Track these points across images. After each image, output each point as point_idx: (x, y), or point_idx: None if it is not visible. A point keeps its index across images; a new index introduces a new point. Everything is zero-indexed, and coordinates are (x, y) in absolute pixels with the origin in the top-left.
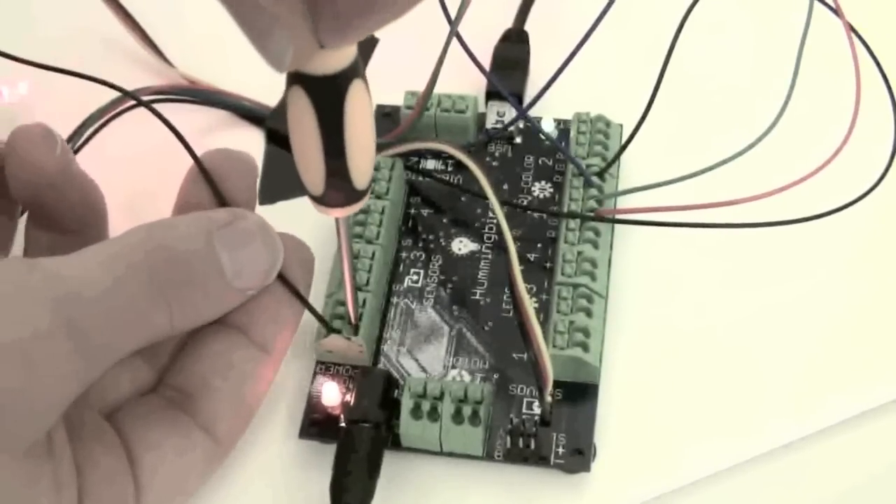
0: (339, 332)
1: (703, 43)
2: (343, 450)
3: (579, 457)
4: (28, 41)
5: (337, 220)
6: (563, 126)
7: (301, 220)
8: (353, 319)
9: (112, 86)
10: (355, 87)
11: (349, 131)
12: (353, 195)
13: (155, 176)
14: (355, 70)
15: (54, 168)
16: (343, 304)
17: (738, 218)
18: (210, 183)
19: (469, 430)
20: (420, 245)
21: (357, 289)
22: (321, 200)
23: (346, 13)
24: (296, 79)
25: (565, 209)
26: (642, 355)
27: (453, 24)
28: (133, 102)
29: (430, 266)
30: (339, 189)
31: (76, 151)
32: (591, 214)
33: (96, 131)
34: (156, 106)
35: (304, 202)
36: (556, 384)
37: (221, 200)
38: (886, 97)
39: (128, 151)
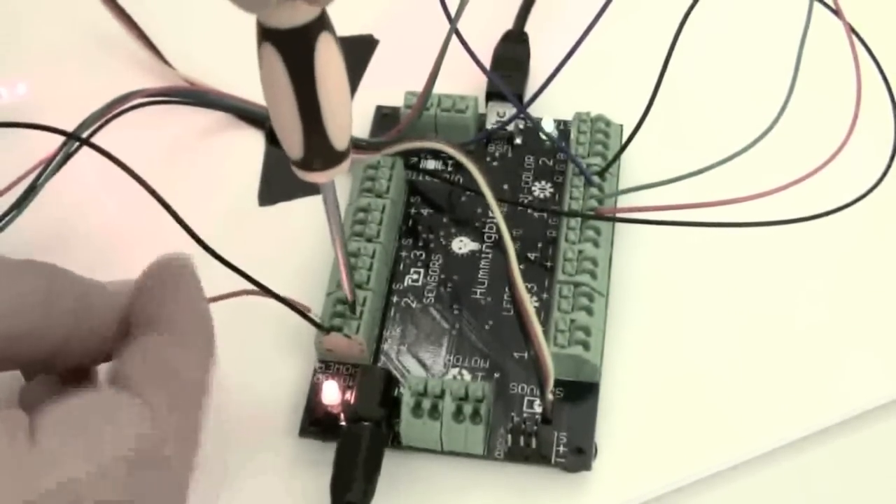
0: (339, 330)
1: (704, 43)
2: (343, 448)
3: (580, 456)
4: (28, 43)
5: (323, 188)
6: (563, 127)
7: (300, 221)
8: (349, 297)
9: (51, 129)
10: (324, 39)
11: (322, 85)
12: (333, 156)
13: (150, 182)
14: (323, 22)
15: None
16: (343, 302)
17: (739, 217)
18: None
19: (470, 429)
20: (420, 244)
21: (357, 286)
22: (302, 165)
23: None
24: (265, 35)
25: (566, 208)
26: (643, 354)
27: (453, 21)
28: (133, 103)
29: (431, 265)
30: (317, 149)
31: (70, 157)
32: (592, 213)
33: (92, 134)
34: (156, 108)
35: (303, 203)
36: (557, 383)
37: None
38: (886, 98)
39: (123, 156)
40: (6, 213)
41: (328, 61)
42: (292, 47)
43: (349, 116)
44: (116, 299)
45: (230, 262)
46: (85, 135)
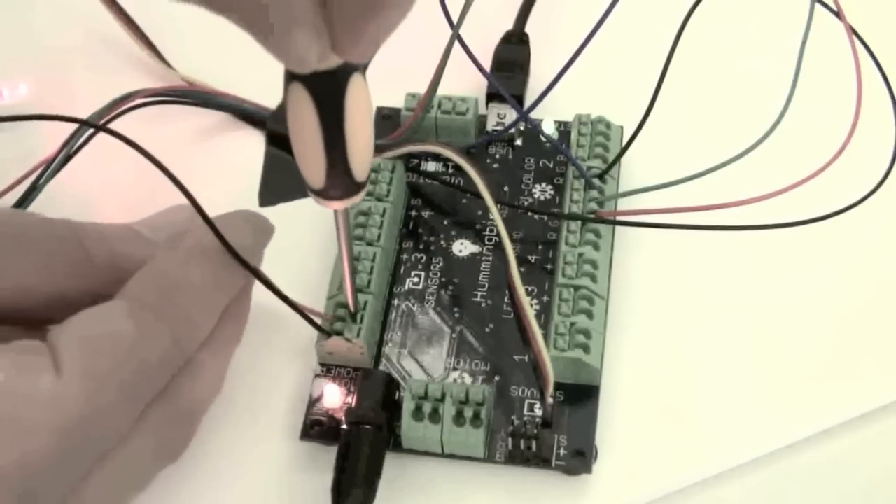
0: (340, 333)
1: (705, 45)
2: (344, 452)
3: (581, 458)
4: (29, 44)
5: (336, 212)
6: (563, 128)
7: (301, 222)
8: (352, 308)
9: (68, 119)
10: (355, 81)
11: (349, 124)
12: (353, 187)
13: (152, 181)
14: (354, 64)
15: None
16: (344, 306)
17: (740, 220)
18: (209, 224)
19: (470, 432)
20: (421, 247)
21: (358, 290)
22: (322, 194)
23: (354, 17)
24: (295, 76)
25: (566, 211)
26: (643, 357)
27: (456, 26)
28: (133, 104)
29: (431, 268)
30: (339, 182)
31: (70, 157)
32: (592, 216)
33: (90, 137)
34: (156, 108)
35: (303, 204)
36: (557, 386)
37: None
38: (888, 99)
39: (124, 155)
40: None
41: (357, 102)
42: (324, 89)
43: (371, 152)
44: (153, 255)
45: (244, 260)
46: (85, 136)
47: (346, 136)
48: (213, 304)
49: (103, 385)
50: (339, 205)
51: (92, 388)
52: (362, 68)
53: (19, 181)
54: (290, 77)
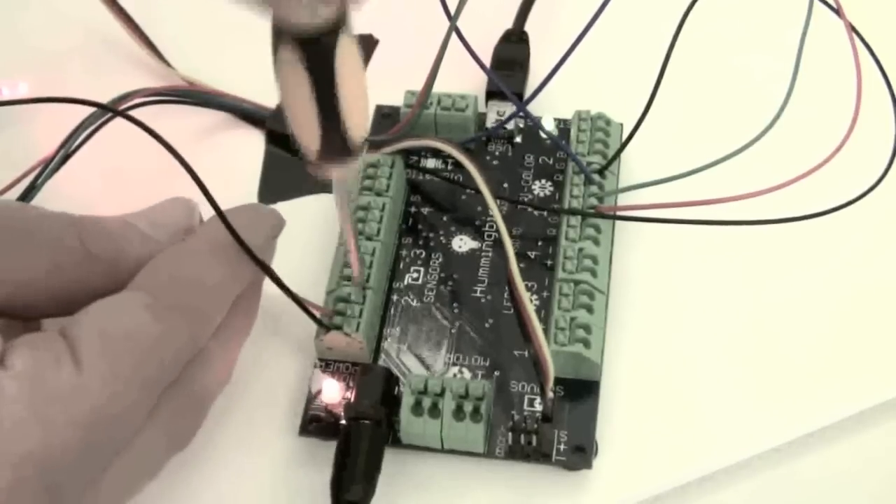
0: (339, 328)
1: (704, 41)
2: (343, 447)
3: (581, 454)
4: (29, 43)
5: (335, 183)
6: (563, 125)
7: (300, 218)
8: (357, 275)
9: (86, 102)
10: (344, 39)
11: (341, 84)
12: (349, 150)
13: (152, 180)
14: (343, 22)
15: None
16: (344, 300)
17: (739, 215)
18: (224, 221)
19: (470, 427)
20: (420, 243)
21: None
22: (319, 157)
23: None
24: (283, 38)
25: (566, 206)
26: (644, 352)
27: (453, 18)
28: (133, 103)
29: (431, 263)
30: (334, 145)
31: (70, 155)
32: (592, 211)
33: (91, 134)
34: (156, 108)
35: (303, 201)
36: (558, 381)
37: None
38: (887, 96)
39: (125, 155)
40: None
41: (348, 58)
42: (314, 48)
43: (366, 112)
44: (151, 250)
45: (252, 252)
46: (85, 135)
47: (338, 96)
48: (226, 296)
49: (126, 382)
50: (337, 171)
51: (115, 385)
52: (350, 28)
53: (18, 180)
54: (278, 40)
